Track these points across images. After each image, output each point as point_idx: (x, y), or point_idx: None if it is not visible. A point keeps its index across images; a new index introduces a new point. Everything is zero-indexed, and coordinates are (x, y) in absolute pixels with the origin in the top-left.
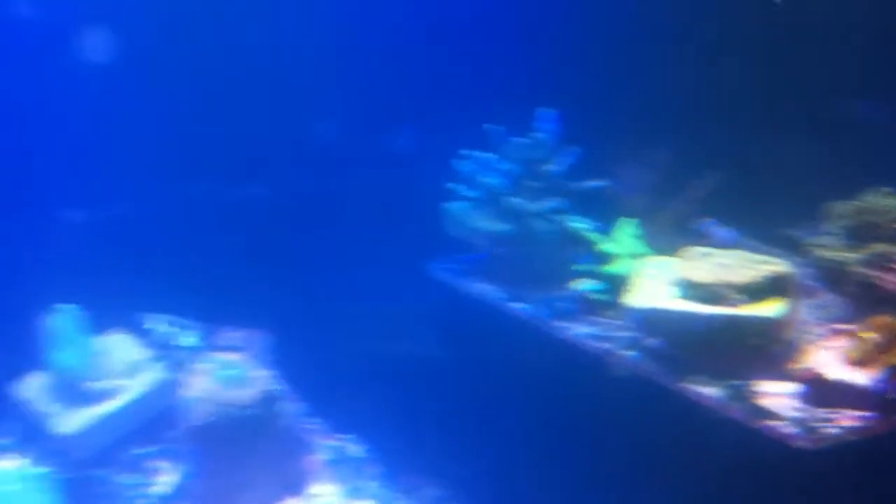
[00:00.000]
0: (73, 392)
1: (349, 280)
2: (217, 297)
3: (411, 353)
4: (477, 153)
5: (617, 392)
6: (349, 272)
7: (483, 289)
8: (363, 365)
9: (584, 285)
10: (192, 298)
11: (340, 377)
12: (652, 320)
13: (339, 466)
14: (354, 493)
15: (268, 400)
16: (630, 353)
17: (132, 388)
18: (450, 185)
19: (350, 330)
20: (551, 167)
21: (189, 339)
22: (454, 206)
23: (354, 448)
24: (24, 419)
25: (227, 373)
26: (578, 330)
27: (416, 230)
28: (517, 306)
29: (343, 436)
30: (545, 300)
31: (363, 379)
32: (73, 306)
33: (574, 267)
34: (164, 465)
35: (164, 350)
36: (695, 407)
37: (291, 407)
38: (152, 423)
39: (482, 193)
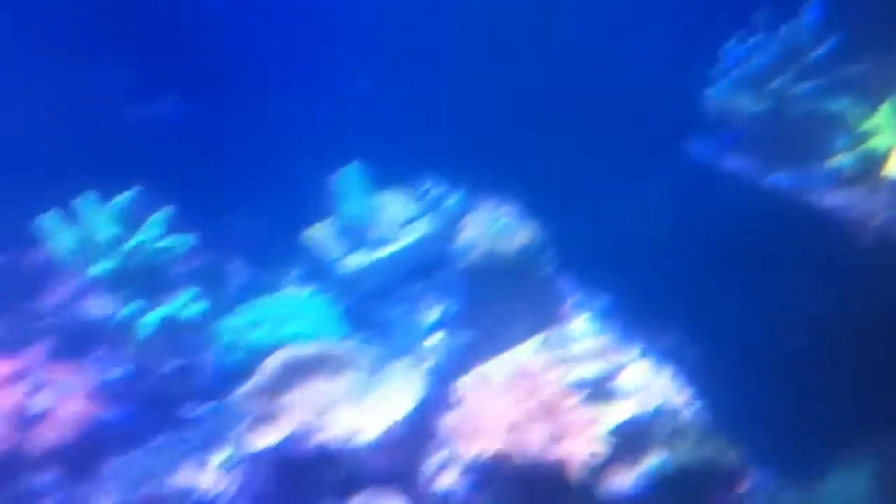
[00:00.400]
0: (356, 238)
1: (613, 162)
2: (485, 162)
3: (666, 225)
4: (739, 35)
5: (870, 262)
6: (611, 155)
7: (740, 165)
8: (622, 233)
9: (842, 161)
10: (465, 161)
11: (601, 243)
12: None
13: (589, 314)
14: (599, 333)
15: (530, 251)
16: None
17: (407, 237)
18: (710, 68)
19: (614, 205)
20: (813, 50)
21: (455, 198)
22: (714, 88)
23: (603, 300)
24: (312, 260)
25: (496, 224)
26: (835, 201)
27: (675, 112)
28: (774, 179)
29: (595, 290)
30: (802, 175)
31: (620, 247)
32: (358, 163)
33: (832, 146)
34: (432, 301)
35: (436, 206)
36: None
37: (551, 260)
38: (423, 268)
39: (743, 75)
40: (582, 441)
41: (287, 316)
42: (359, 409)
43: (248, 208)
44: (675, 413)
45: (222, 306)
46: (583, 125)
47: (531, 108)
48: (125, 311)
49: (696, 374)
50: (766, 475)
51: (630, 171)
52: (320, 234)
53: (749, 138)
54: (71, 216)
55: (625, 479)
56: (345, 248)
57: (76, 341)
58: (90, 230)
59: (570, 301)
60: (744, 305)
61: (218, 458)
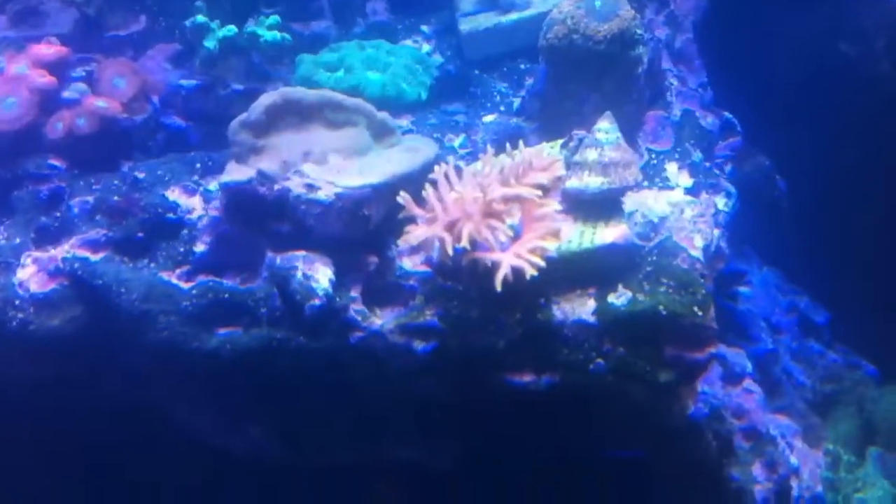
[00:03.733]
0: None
1: None
2: None
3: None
4: None
5: None
6: None
7: None
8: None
9: None
10: None
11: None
12: None
13: (681, 130)
14: (683, 158)
15: (626, 41)
16: None
17: (537, 6)
18: None
19: None
20: None
21: None
22: None
23: (710, 120)
24: (449, 14)
25: (597, 3)
26: None
27: None
28: None
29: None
30: None
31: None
32: None
33: None
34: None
35: None
36: None
37: (656, 55)
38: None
39: None
40: (526, 249)
41: (372, 64)
42: (340, 166)
43: None
44: (673, 252)
45: (337, 38)
46: None
47: None
48: (197, 19)
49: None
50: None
51: None
52: None
53: None
54: None
55: (576, 309)
56: (478, 7)
57: (183, 52)
58: None
59: (663, 111)
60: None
61: (213, 184)
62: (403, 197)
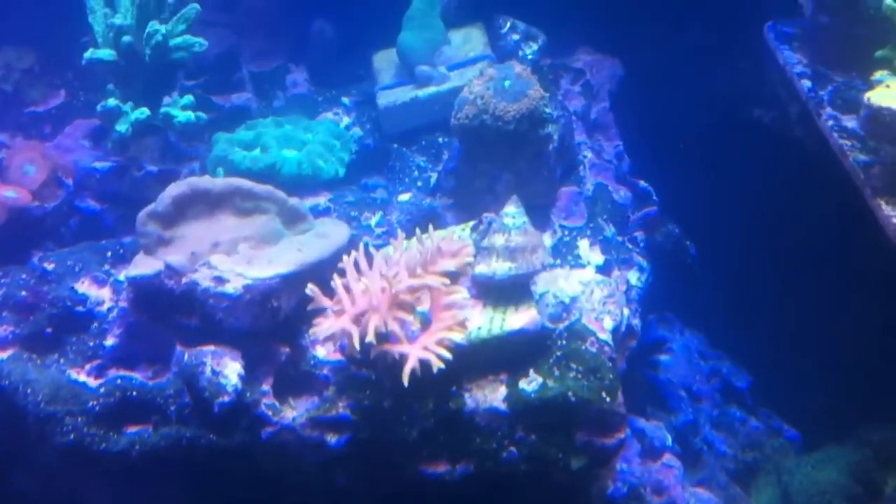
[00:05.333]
0: (409, 71)
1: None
2: (590, 19)
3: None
4: None
5: None
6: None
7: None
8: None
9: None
10: (565, 13)
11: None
12: None
13: (594, 205)
14: (595, 234)
15: (535, 120)
16: None
17: (455, 80)
18: None
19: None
20: None
21: (530, 49)
22: None
23: (623, 193)
24: (369, 86)
25: (506, 83)
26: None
27: None
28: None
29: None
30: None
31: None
32: None
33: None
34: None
35: (505, 54)
36: None
37: (568, 131)
38: None
39: None
40: (434, 341)
41: (288, 142)
42: (249, 256)
43: (330, 16)
44: (582, 336)
45: (263, 116)
46: None
47: None
48: (108, 104)
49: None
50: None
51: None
52: (386, 59)
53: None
54: None
55: (488, 397)
56: (396, 80)
57: (100, 129)
58: (112, 12)
59: (575, 186)
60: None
61: (123, 274)
62: (311, 289)
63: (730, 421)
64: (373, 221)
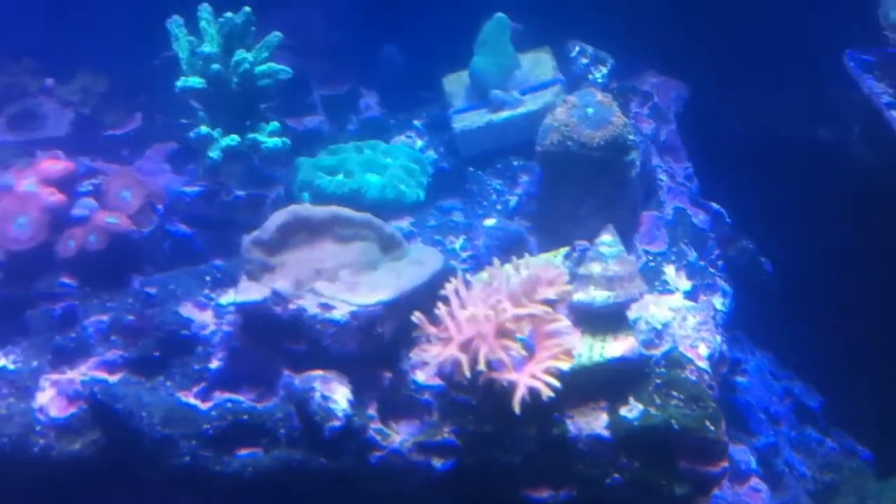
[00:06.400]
0: (481, 95)
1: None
2: (654, 41)
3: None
4: None
5: None
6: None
7: (876, 87)
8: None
9: None
10: (630, 36)
11: (726, 148)
12: None
13: (674, 230)
14: (679, 259)
15: (619, 147)
16: None
17: (528, 104)
18: None
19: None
20: None
21: (599, 72)
22: None
23: (701, 217)
24: (440, 109)
25: (589, 110)
26: None
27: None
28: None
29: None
30: None
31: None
32: (502, 16)
33: None
34: (528, 179)
35: (574, 78)
36: None
37: (647, 156)
38: (535, 141)
39: None
40: (541, 369)
41: (370, 166)
42: (351, 283)
43: (397, 40)
44: (680, 364)
45: (338, 140)
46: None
47: None
48: (200, 130)
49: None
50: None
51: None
52: (457, 82)
53: None
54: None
55: (590, 423)
56: (468, 104)
57: (179, 152)
58: (199, 41)
59: (658, 211)
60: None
61: (224, 298)
62: (418, 317)
63: (807, 443)
64: (457, 245)
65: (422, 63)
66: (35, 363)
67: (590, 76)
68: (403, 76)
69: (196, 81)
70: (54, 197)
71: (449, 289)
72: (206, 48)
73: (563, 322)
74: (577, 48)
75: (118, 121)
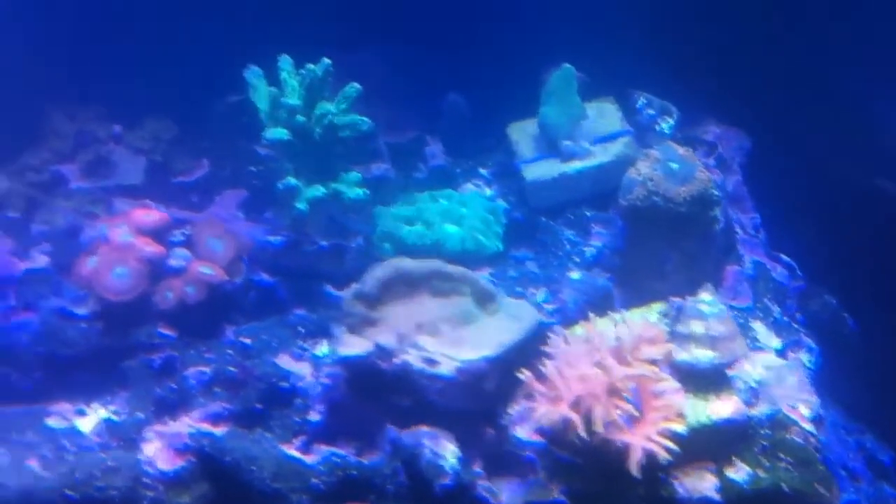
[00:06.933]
0: (549, 145)
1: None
2: (713, 91)
3: None
4: None
5: None
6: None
7: None
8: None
9: None
10: (690, 85)
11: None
12: None
13: (755, 284)
14: (765, 315)
15: (704, 202)
16: None
17: (599, 155)
18: None
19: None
20: None
21: (666, 123)
22: None
23: (780, 271)
24: (506, 158)
25: (673, 165)
26: None
27: None
28: None
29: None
30: None
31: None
32: (570, 67)
33: None
34: (603, 231)
35: (641, 128)
36: None
37: (730, 214)
38: (611, 192)
39: None
40: (656, 432)
41: (448, 217)
42: (452, 337)
43: (459, 88)
44: (785, 425)
45: (405, 187)
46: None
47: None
48: (288, 182)
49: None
50: None
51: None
52: (522, 131)
53: None
54: (273, 74)
55: (697, 485)
56: (537, 154)
57: (262, 198)
58: (280, 92)
59: (741, 266)
60: None
61: (319, 350)
62: (526, 374)
63: (885, 499)
64: (539, 297)
65: (482, 110)
66: (139, 414)
67: (656, 127)
68: (468, 124)
69: (282, 133)
70: (152, 248)
71: (552, 345)
72: (291, 100)
73: (671, 383)
74: (643, 99)
75: (186, 167)
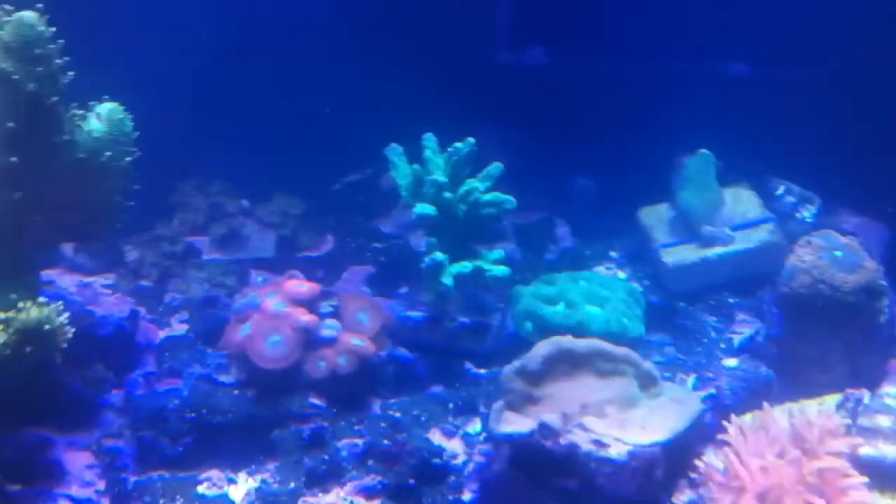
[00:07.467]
0: (687, 229)
1: None
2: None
3: None
4: None
5: None
6: None
7: None
8: None
9: None
10: (824, 173)
11: None
12: None
13: None
14: None
15: (872, 292)
16: None
17: (741, 241)
18: None
19: None
20: None
21: (808, 212)
22: None
23: None
24: (638, 242)
25: (837, 253)
26: None
27: None
28: None
29: None
30: None
31: None
32: (708, 153)
33: None
34: (747, 318)
35: (781, 216)
36: None
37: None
38: (748, 280)
39: None
40: None
41: (589, 298)
42: (619, 419)
43: (590, 171)
44: None
45: (535, 268)
46: None
47: None
48: (436, 256)
49: None
50: None
51: None
52: (655, 215)
53: None
54: (416, 152)
55: None
56: (673, 238)
57: (389, 274)
58: (425, 170)
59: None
60: None
61: (470, 427)
62: (705, 462)
63: None
64: (689, 384)
65: (607, 194)
66: (292, 485)
67: (797, 215)
68: (596, 208)
69: (429, 209)
70: (307, 317)
71: (731, 434)
72: (438, 177)
73: (860, 478)
74: (783, 187)
75: (312, 243)
